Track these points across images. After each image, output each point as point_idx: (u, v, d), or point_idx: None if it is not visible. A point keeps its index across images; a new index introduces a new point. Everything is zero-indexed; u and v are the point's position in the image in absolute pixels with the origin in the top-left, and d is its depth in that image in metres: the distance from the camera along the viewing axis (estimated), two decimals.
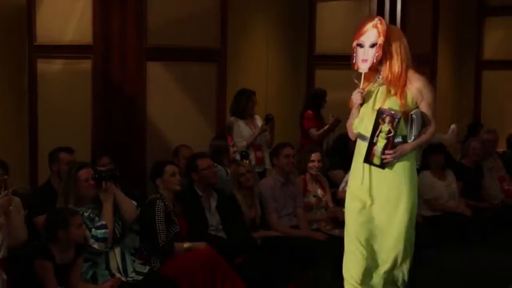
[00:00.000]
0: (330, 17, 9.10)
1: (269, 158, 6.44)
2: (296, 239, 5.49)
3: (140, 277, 4.57)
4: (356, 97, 3.98)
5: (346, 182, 6.06)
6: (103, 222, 4.46)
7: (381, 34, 3.92)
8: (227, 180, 5.74)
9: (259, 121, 6.87)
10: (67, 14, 6.41)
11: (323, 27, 9.00)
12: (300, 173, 6.14)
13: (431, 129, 4.06)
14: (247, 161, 6.14)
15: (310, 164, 5.94)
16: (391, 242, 4.06)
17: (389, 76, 3.95)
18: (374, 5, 8.66)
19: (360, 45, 3.97)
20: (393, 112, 3.86)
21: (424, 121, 4.04)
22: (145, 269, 4.65)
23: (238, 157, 6.23)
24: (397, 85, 3.96)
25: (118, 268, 4.55)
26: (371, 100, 4.01)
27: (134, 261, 4.67)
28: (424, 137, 4.05)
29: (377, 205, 4.01)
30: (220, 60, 6.63)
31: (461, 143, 8.11)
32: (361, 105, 4.02)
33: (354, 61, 4.02)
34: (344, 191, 6.09)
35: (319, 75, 8.92)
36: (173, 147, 6.08)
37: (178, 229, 4.92)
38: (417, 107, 4.01)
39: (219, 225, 5.30)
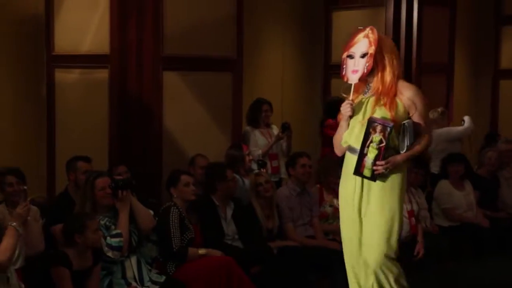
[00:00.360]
0: (346, 26, 9.06)
1: (285, 167, 6.43)
2: (312, 248, 5.48)
3: (156, 287, 4.57)
4: (345, 109, 3.84)
5: None
6: (119, 231, 4.48)
7: (372, 43, 3.81)
8: (243, 189, 5.75)
9: (275, 131, 6.85)
10: (84, 24, 6.45)
11: (339, 36, 8.98)
12: (318, 182, 6.12)
13: (425, 139, 3.91)
14: (264, 170, 6.14)
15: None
16: (376, 255, 3.92)
17: (380, 87, 3.83)
18: (390, 14, 8.67)
19: (350, 56, 3.87)
20: (385, 120, 3.73)
21: (416, 132, 3.88)
22: (162, 279, 4.65)
23: (254, 166, 6.24)
24: (388, 96, 3.83)
25: (134, 277, 4.57)
26: (361, 112, 3.88)
27: (150, 270, 4.68)
28: (417, 148, 3.89)
29: (367, 218, 3.87)
30: (236, 69, 6.65)
31: (478, 152, 8.07)
32: (351, 117, 3.88)
33: (344, 73, 3.89)
34: None
35: (335, 84, 8.84)
36: (189, 157, 6.09)
37: (193, 235, 4.94)
38: (409, 117, 3.87)
39: (235, 234, 5.30)
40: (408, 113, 3.85)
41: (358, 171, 3.77)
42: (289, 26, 8.98)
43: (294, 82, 9.05)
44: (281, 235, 5.68)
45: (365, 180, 3.82)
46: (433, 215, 6.71)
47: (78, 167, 5.27)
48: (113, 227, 4.55)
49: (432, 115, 7.75)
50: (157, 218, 4.82)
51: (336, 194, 6.02)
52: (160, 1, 6.16)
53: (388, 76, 3.80)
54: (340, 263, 4.50)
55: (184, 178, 5.08)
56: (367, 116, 3.81)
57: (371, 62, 3.77)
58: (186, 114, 6.43)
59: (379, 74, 3.82)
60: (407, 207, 6.00)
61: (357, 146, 3.83)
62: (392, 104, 3.79)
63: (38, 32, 6.81)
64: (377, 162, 3.72)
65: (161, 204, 5.38)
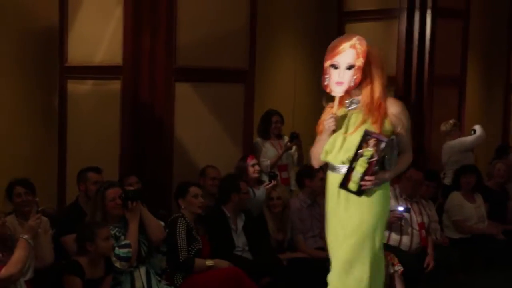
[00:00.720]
0: None
1: (295, 179, 6.45)
2: (322, 260, 5.47)
3: None
4: (329, 122, 3.63)
5: None
6: (127, 242, 4.51)
7: (360, 55, 3.60)
8: (253, 200, 5.78)
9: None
10: (98, 36, 6.50)
11: None
12: None
13: (408, 157, 3.78)
14: (275, 182, 6.15)
15: None
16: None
17: (369, 102, 3.65)
18: (403, 26, 8.69)
19: (334, 66, 3.64)
20: (380, 135, 3.56)
21: (400, 149, 3.77)
22: None
23: (265, 178, 6.26)
24: (377, 112, 3.66)
25: None
26: (344, 126, 3.70)
27: (160, 281, 4.69)
28: (401, 166, 3.78)
29: (346, 234, 3.70)
30: (248, 81, 6.68)
31: (488, 164, 8.08)
32: (334, 131, 3.69)
33: (325, 83, 3.69)
34: None
35: None
36: (200, 168, 6.10)
37: (200, 246, 4.96)
38: (395, 134, 3.72)
39: (245, 246, 5.32)
40: (394, 130, 3.70)
41: (344, 184, 3.61)
42: (302, 38, 9.00)
43: (307, 94, 9.04)
44: (292, 247, 5.69)
45: (343, 197, 3.67)
46: (444, 227, 6.72)
47: (88, 177, 5.29)
48: (122, 237, 4.57)
49: (445, 127, 7.83)
50: (167, 230, 4.85)
51: None
52: (173, 12, 6.20)
53: (377, 90, 3.64)
54: None
55: (193, 189, 5.10)
56: (350, 131, 3.67)
57: (359, 75, 3.60)
58: (197, 126, 6.45)
59: (368, 88, 3.65)
60: (417, 219, 6.03)
61: (337, 164, 3.69)
62: (380, 120, 3.64)
63: (51, 43, 6.86)
64: (366, 177, 3.56)
65: (171, 215, 5.41)
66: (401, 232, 6.04)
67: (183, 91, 6.38)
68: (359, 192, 3.57)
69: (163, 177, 6.04)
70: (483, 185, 7.21)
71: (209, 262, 4.92)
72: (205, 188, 5.48)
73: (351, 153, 3.62)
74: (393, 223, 6.00)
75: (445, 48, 8.85)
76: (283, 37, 8.89)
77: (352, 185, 3.58)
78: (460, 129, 8.21)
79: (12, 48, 6.76)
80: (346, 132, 3.65)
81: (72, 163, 6.45)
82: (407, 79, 8.87)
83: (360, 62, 3.57)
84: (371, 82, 3.63)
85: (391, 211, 6.09)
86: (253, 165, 6.06)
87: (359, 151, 3.56)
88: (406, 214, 6.03)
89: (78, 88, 6.72)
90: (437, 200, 6.93)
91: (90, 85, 6.61)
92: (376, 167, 3.57)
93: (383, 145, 3.53)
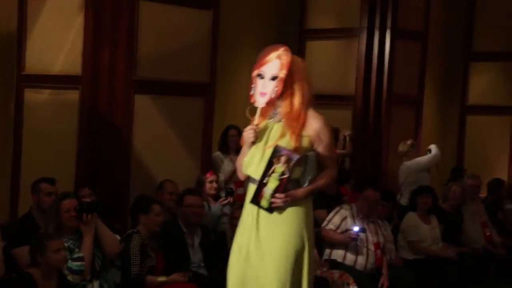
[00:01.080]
0: (319, 56, 9.23)
1: None
2: None
3: None
4: (248, 134, 3.55)
5: (329, 221, 6.16)
6: (81, 255, 4.45)
7: (284, 66, 3.54)
8: (209, 215, 5.80)
9: None
10: (57, 45, 6.47)
11: (312, 66, 9.08)
12: None
13: (328, 174, 3.69)
14: (231, 198, 6.15)
15: None
16: None
17: (288, 112, 3.58)
18: (363, 45, 8.80)
19: (260, 76, 3.58)
20: (291, 151, 3.47)
21: (320, 165, 3.67)
22: None
23: (222, 194, 6.26)
24: (295, 125, 3.58)
25: None
26: (264, 138, 3.61)
27: None
28: (320, 183, 3.65)
29: (259, 254, 3.56)
30: (209, 94, 6.72)
31: (443, 186, 8.21)
32: (254, 143, 3.60)
33: (251, 93, 3.62)
34: (327, 230, 6.22)
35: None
36: (158, 182, 6.10)
37: (154, 263, 4.94)
38: (313, 149, 3.64)
39: (201, 262, 5.31)
40: (313, 145, 3.63)
41: (256, 200, 3.52)
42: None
43: None
44: None
45: (260, 212, 3.57)
46: (399, 247, 6.78)
47: (42, 188, 5.22)
48: (77, 250, 4.52)
49: (402, 147, 7.93)
50: (123, 244, 4.83)
51: None
52: (134, 24, 6.24)
53: (296, 102, 3.56)
54: None
55: (156, 208, 5.09)
56: (270, 143, 3.58)
57: (280, 86, 3.53)
58: (156, 139, 6.46)
59: (288, 100, 3.58)
60: (373, 239, 6.08)
61: (256, 176, 3.60)
62: (298, 134, 3.56)
63: (9, 50, 6.81)
64: (276, 195, 3.48)
65: (126, 229, 5.38)
66: (356, 252, 6.08)
67: (142, 103, 6.40)
68: (270, 209, 3.50)
69: (119, 190, 6.02)
70: (438, 206, 7.32)
71: (161, 278, 4.90)
72: (163, 203, 5.47)
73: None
74: (349, 243, 6.06)
75: (403, 68, 9.02)
76: (244, 51, 8.92)
77: (264, 202, 3.51)
78: (417, 149, 8.33)
79: None
80: (265, 144, 3.59)
81: (26, 173, 6.39)
82: (365, 98, 9.01)
83: (283, 73, 3.52)
84: (292, 94, 3.57)
85: (346, 230, 6.20)
86: (210, 182, 6.08)
87: (272, 167, 3.49)
88: (361, 234, 6.08)
89: (35, 97, 6.67)
90: (393, 220, 6.99)
91: (47, 94, 6.57)
92: (289, 185, 3.50)
93: (293, 162, 3.46)
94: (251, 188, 3.61)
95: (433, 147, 7.86)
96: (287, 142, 3.53)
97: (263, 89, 3.55)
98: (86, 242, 4.52)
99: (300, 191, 3.56)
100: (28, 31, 6.56)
